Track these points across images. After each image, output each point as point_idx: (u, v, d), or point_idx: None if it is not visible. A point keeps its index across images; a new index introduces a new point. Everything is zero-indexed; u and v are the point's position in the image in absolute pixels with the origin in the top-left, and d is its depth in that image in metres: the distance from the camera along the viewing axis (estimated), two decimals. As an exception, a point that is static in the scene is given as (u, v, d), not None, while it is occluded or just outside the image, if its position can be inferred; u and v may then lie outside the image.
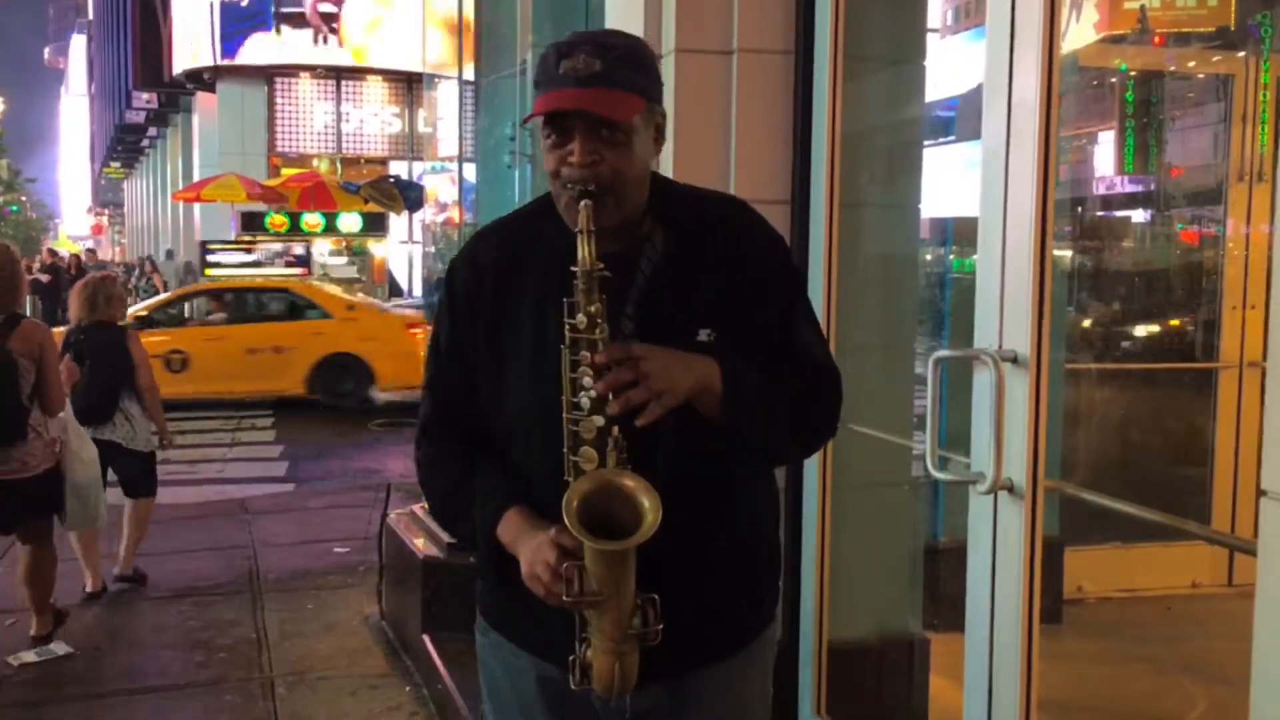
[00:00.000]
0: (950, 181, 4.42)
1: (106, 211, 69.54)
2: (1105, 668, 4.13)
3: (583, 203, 1.63)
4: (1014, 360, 2.32)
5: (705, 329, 1.72)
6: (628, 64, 1.69)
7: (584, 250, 1.60)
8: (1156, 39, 6.52)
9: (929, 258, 4.83)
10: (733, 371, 1.68)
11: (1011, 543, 2.36)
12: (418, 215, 19.66)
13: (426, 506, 1.97)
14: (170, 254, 24.77)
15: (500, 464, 1.80)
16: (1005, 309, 2.35)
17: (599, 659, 1.64)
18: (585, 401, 1.60)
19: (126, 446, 5.71)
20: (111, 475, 5.74)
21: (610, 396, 1.58)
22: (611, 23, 3.51)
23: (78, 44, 74.06)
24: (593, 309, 1.60)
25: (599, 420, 1.59)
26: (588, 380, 1.59)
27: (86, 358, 5.62)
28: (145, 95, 32.34)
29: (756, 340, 1.76)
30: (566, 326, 1.61)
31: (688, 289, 1.75)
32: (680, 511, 1.64)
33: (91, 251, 34.09)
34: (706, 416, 1.67)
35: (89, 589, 5.66)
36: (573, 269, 1.60)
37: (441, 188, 19.72)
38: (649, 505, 1.56)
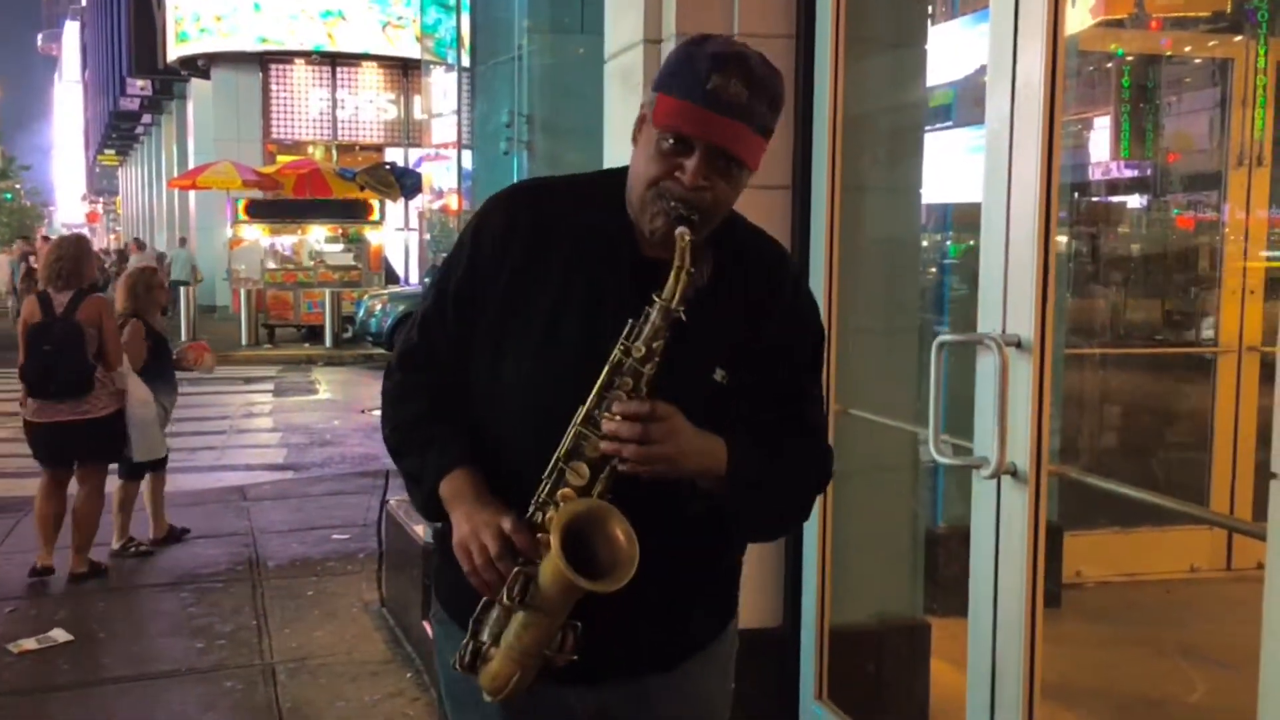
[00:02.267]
0: (948, 166, 4.41)
1: (101, 199, 69.33)
2: (1104, 651, 4.14)
3: (680, 231, 1.57)
4: (1018, 345, 2.32)
5: (722, 369, 1.68)
6: (770, 104, 1.62)
7: (674, 287, 1.55)
8: (1153, 23, 6.50)
9: (925, 244, 4.82)
10: (739, 463, 1.64)
11: (1015, 527, 2.36)
12: (414, 202, 19.62)
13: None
14: (183, 241, 24.57)
15: (468, 421, 1.74)
16: (1009, 293, 2.35)
17: (502, 661, 1.59)
18: (603, 422, 1.56)
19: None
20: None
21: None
22: (612, 6, 3.49)
23: (71, 31, 73.73)
24: (656, 344, 1.55)
25: (607, 446, 1.55)
26: (616, 408, 1.55)
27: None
28: (140, 82, 32.23)
29: (768, 395, 1.73)
30: (620, 346, 1.57)
31: (716, 324, 1.70)
32: (653, 535, 1.60)
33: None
34: (704, 491, 1.64)
35: (153, 536, 6.38)
36: (655, 295, 1.55)
37: (437, 174, 19.70)
38: (628, 554, 1.52)
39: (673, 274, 1.55)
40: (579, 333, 1.64)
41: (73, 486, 5.89)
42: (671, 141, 1.60)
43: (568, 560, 1.49)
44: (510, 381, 1.70)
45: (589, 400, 1.57)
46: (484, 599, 1.62)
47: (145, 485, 6.36)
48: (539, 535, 1.57)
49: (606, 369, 1.57)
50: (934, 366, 2.41)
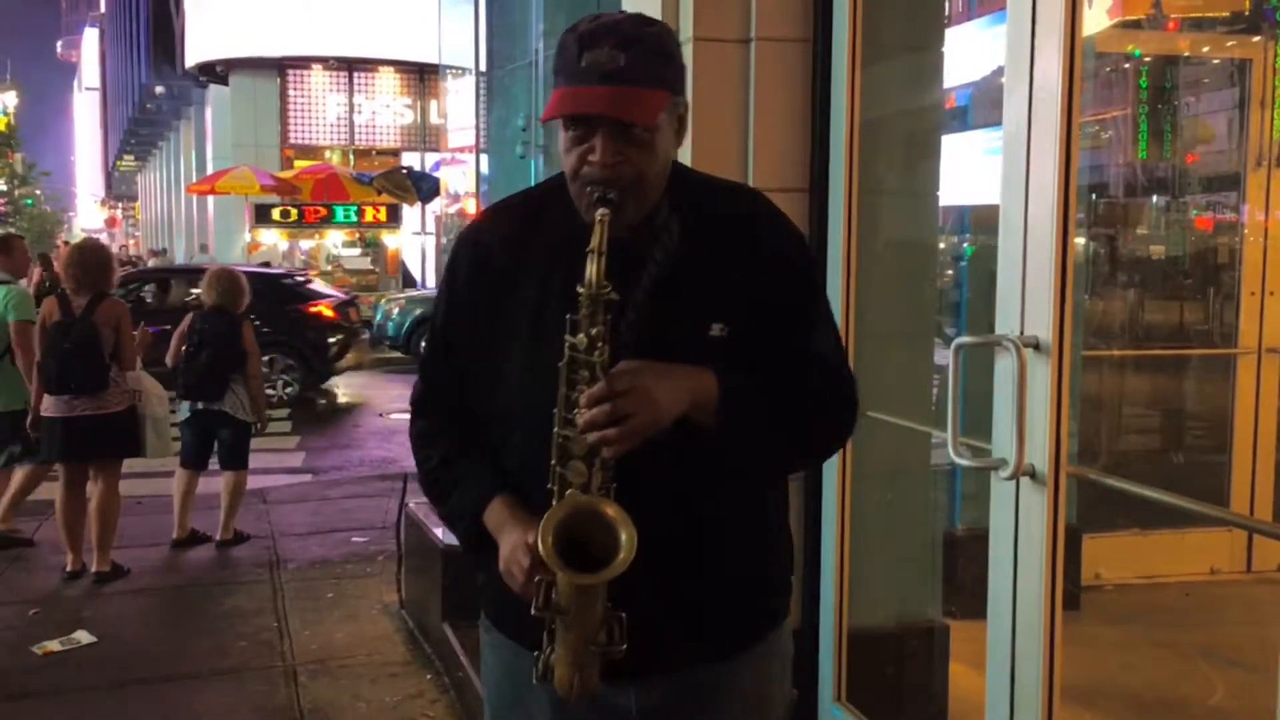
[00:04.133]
0: (966, 168, 4.42)
1: (120, 204, 69.72)
2: (1124, 654, 4.13)
3: (599, 214, 1.58)
4: (1036, 346, 2.32)
5: (718, 323, 1.67)
6: (652, 56, 1.62)
7: (592, 270, 1.55)
8: (1171, 24, 6.48)
9: (942, 245, 4.82)
10: (731, 389, 1.63)
11: (1033, 528, 2.37)
12: (430, 206, 19.70)
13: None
14: (204, 247, 24.82)
15: (487, 447, 1.78)
16: (1027, 295, 2.36)
17: (560, 666, 1.64)
18: (578, 419, 1.57)
19: (233, 415, 6.47)
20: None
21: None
22: (629, 9, 3.51)
23: (90, 37, 74.22)
24: (594, 331, 1.56)
25: (590, 438, 1.56)
26: (582, 401, 1.56)
27: (206, 342, 6.39)
28: (158, 88, 32.42)
29: (772, 338, 1.71)
30: (566, 344, 1.58)
31: (702, 281, 1.70)
32: (677, 510, 1.62)
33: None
34: (704, 430, 1.63)
35: (174, 536, 6.54)
36: (579, 288, 1.56)
37: (454, 178, 19.77)
38: (625, 539, 1.54)
39: (588, 259, 1.56)
40: (559, 346, 1.62)
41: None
42: (572, 129, 1.63)
43: (565, 561, 1.53)
44: (507, 403, 1.74)
45: (560, 405, 1.59)
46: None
47: (223, 483, 6.61)
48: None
49: (562, 370, 1.58)
50: (952, 368, 2.42)
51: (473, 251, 1.81)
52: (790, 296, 1.75)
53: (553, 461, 1.60)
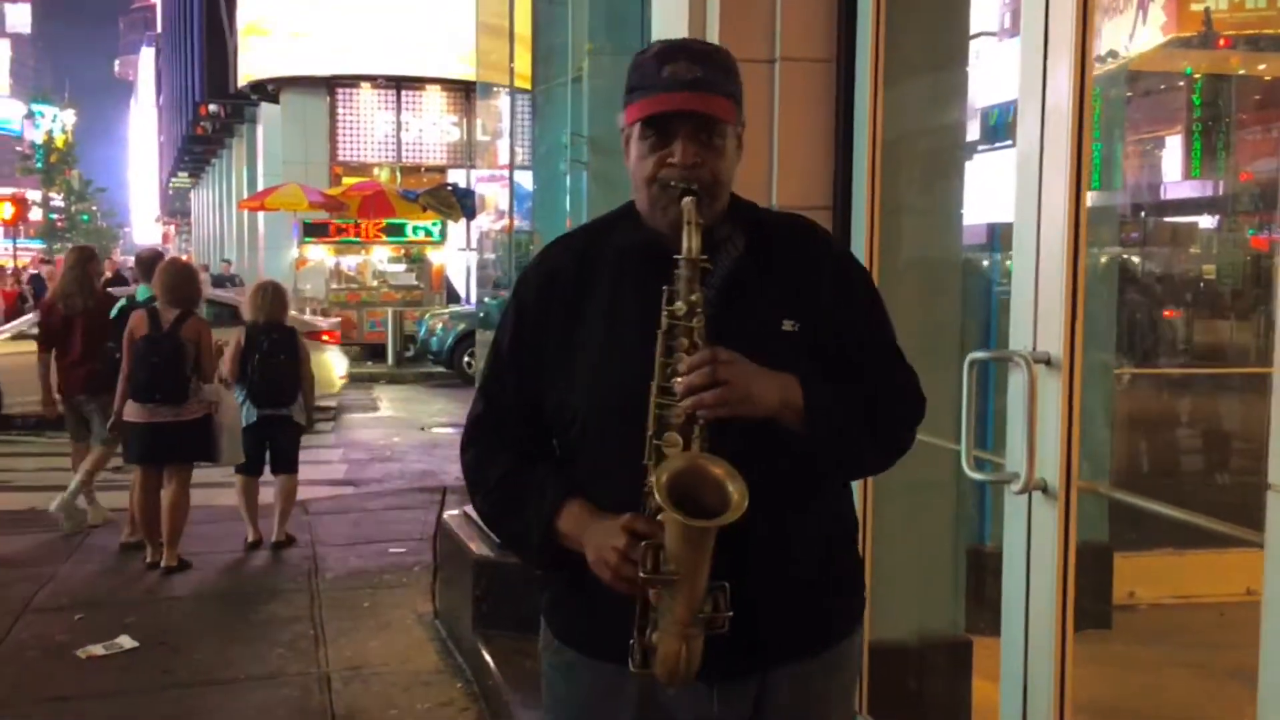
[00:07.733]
0: (999, 186, 4.43)
1: (174, 221, 70.96)
2: (1153, 673, 4.10)
3: (686, 201, 1.68)
4: (1047, 362, 2.34)
5: (789, 319, 1.76)
6: (723, 71, 1.77)
7: (689, 240, 1.65)
8: (1223, 41, 6.44)
9: (985, 262, 4.82)
10: (816, 390, 1.71)
11: (1046, 543, 2.39)
12: (476, 223, 19.87)
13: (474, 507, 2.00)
14: (228, 263, 25.29)
15: (554, 463, 1.83)
16: (1039, 312, 2.39)
17: (666, 641, 1.63)
18: (676, 387, 1.63)
19: (296, 420, 6.90)
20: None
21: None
22: (657, 32, 3.58)
23: (146, 57, 75.70)
24: (693, 298, 1.64)
25: (686, 403, 1.62)
26: (682, 367, 1.63)
27: (277, 350, 6.71)
28: (212, 106, 32.98)
29: (840, 335, 1.80)
30: (664, 313, 1.65)
31: (769, 282, 1.79)
32: (761, 504, 1.66)
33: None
34: (793, 433, 1.70)
35: (250, 539, 6.82)
36: (676, 257, 1.65)
37: (499, 195, 19.94)
38: (735, 490, 1.58)
39: (684, 230, 1.66)
40: (637, 339, 1.69)
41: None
42: (653, 133, 1.73)
43: (677, 510, 1.55)
44: (587, 405, 1.78)
45: (655, 374, 1.65)
46: (637, 623, 1.68)
47: (277, 487, 6.91)
48: (658, 516, 1.62)
49: (660, 339, 1.65)
50: (966, 383, 2.45)
51: (540, 273, 1.90)
52: (854, 296, 1.86)
53: (649, 435, 1.65)
